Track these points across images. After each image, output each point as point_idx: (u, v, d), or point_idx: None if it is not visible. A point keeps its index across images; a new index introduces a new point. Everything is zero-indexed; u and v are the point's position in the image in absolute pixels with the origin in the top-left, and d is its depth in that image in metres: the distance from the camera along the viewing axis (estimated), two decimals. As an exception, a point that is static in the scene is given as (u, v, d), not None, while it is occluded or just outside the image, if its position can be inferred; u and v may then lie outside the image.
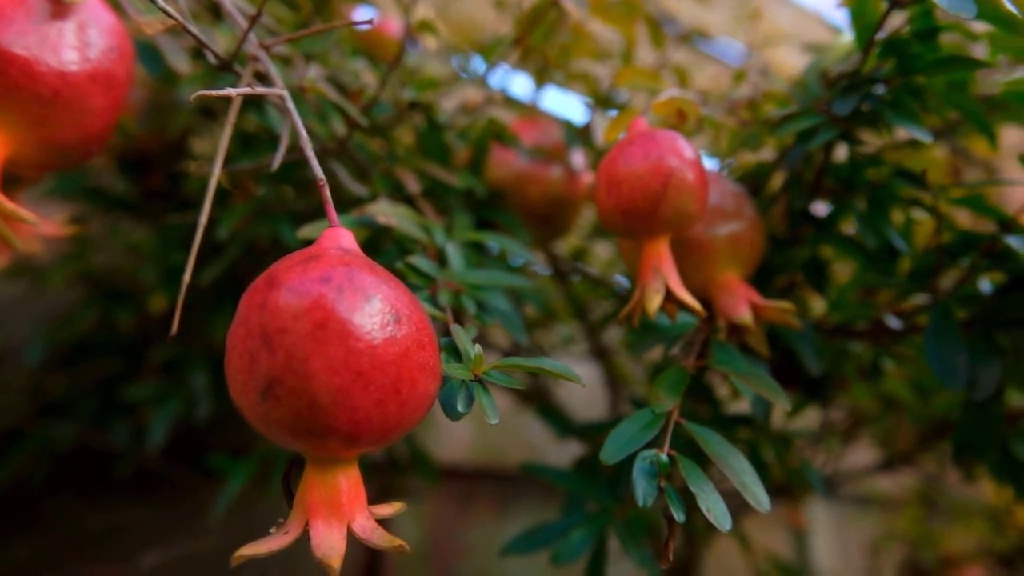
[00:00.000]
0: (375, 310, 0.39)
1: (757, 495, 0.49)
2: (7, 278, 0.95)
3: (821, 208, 0.73)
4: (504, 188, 0.86)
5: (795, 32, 1.72)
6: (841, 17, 0.65)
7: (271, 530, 0.40)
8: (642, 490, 0.47)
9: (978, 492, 1.48)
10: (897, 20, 0.61)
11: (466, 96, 0.90)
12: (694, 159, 0.56)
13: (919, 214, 0.71)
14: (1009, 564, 1.41)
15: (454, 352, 0.49)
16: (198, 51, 0.64)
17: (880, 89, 0.61)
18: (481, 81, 0.89)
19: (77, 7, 0.50)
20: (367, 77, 0.78)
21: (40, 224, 0.52)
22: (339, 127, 0.68)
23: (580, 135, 0.91)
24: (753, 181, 0.76)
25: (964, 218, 0.75)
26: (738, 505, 0.51)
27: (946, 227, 0.66)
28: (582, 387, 0.49)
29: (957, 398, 0.82)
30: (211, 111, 0.85)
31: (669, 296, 0.56)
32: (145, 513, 1.05)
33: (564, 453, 0.78)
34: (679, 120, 0.62)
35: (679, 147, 0.55)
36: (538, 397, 1.09)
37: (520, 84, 0.97)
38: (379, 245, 0.70)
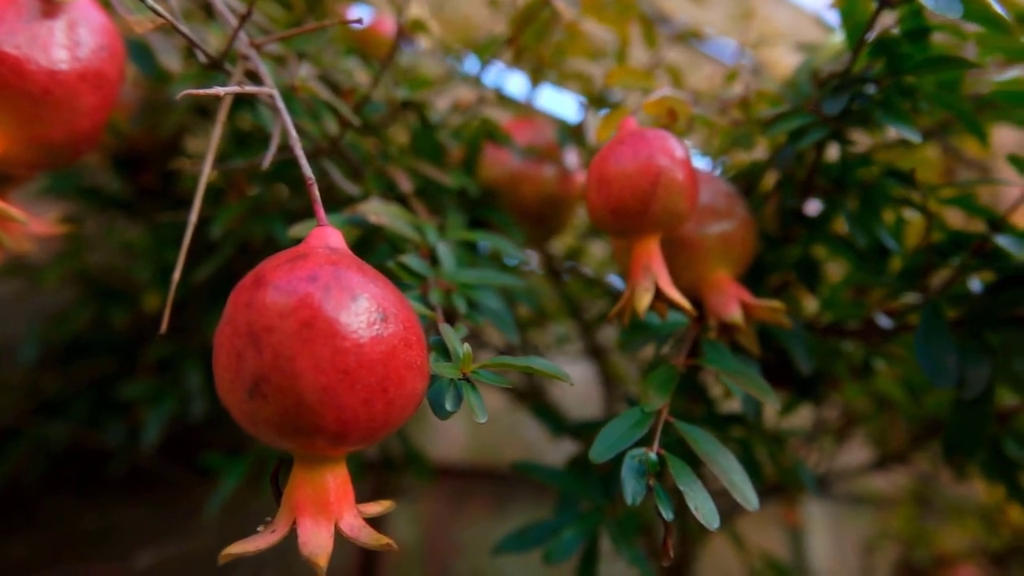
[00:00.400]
0: (362, 309, 0.39)
1: (746, 493, 0.49)
2: (1, 277, 0.95)
3: (813, 207, 0.73)
4: (498, 187, 0.87)
5: (793, 32, 1.73)
6: (836, 17, 0.65)
7: (259, 528, 0.40)
8: (631, 489, 0.47)
9: (971, 491, 1.49)
10: (888, 19, 0.61)
11: (460, 95, 0.90)
12: (684, 158, 0.56)
13: (910, 214, 0.72)
14: (1002, 563, 1.41)
15: (444, 351, 0.49)
16: (190, 50, 0.64)
17: (870, 89, 0.61)
18: (475, 80, 0.89)
19: (67, 6, 0.50)
20: (360, 76, 0.78)
21: (31, 223, 0.52)
22: (332, 126, 0.68)
23: (574, 134, 0.91)
24: (746, 180, 0.76)
25: (957, 218, 0.75)
26: (732, 504, 0.51)
27: (936, 226, 0.66)
28: (577, 386, 0.49)
29: (948, 397, 0.83)
30: (205, 109, 0.85)
31: (659, 295, 0.56)
32: (140, 512, 1.05)
33: (560, 452, 0.78)
34: (670, 119, 0.63)
35: (669, 146, 0.56)
36: (533, 396, 1.09)
37: (516, 83, 0.97)
38: (372, 244, 0.70)
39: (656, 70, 0.87)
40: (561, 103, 1.92)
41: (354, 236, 0.70)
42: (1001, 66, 0.70)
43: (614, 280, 1.04)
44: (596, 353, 1.07)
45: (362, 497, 0.44)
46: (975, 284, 0.66)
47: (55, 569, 0.98)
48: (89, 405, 0.94)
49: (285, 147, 0.55)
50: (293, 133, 0.49)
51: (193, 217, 0.49)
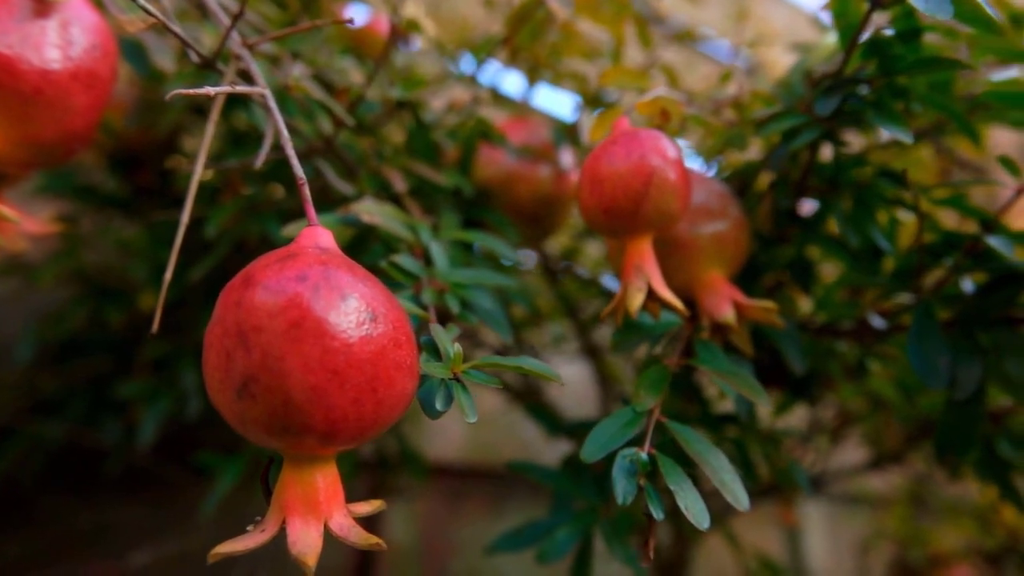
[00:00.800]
0: (351, 308, 0.39)
1: (736, 493, 0.49)
2: (-3, 276, 0.95)
3: (807, 207, 0.73)
4: (492, 187, 0.87)
5: (790, 32, 1.72)
6: (829, 18, 0.65)
7: (248, 528, 0.40)
8: (622, 488, 0.47)
9: (966, 491, 1.49)
10: (881, 20, 0.61)
11: (456, 95, 0.90)
12: (676, 158, 0.56)
13: (903, 214, 0.72)
14: (996, 563, 1.42)
15: (435, 351, 0.49)
16: (184, 49, 0.64)
17: (863, 89, 0.61)
18: (471, 80, 0.89)
19: (60, 5, 0.50)
20: (355, 75, 0.78)
21: (24, 222, 0.52)
22: (326, 125, 0.68)
23: (569, 134, 0.91)
24: (740, 180, 0.76)
25: (951, 219, 0.75)
26: (726, 504, 0.52)
27: (929, 227, 0.66)
28: (574, 386, 0.49)
29: (941, 398, 0.83)
30: (201, 108, 0.85)
31: (651, 295, 0.56)
32: (136, 511, 1.05)
33: (557, 451, 0.78)
34: (663, 119, 0.63)
35: (661, 146, 0.56)
36: (529, 396, 1.09)
37: (512, 82, 0.97)
38: (367, 244, 0.70)
39: (651, 70, 0.87)
40: (557, 102, 1.92)
41: (348, 236, 0.70)
42: (993, 67, 0.71)
43: (607, 282, 1.04)
44: (592, 353, 1.07)
45: (359, 496, 0.44)
46: (967, 284, 0.66)
47: (52, 568, 0.98)
48: (85, 404, 0.95)
49: (279, 147, 0.55)
50: (285, 133, 0.49)
51: (185, 217, 0.49)
